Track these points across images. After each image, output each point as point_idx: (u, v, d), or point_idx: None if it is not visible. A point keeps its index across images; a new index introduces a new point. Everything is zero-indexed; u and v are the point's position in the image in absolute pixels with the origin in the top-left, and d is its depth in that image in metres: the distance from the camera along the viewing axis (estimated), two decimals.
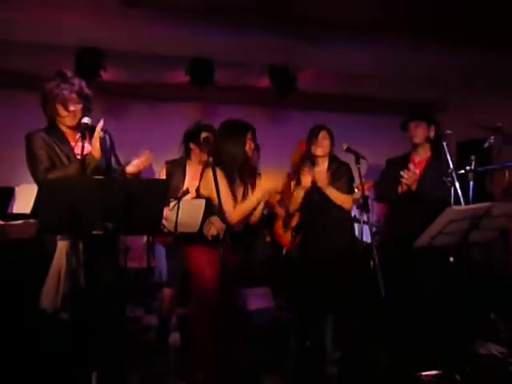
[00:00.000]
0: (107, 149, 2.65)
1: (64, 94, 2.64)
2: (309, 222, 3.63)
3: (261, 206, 3.10)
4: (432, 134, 3.59)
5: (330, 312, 3.50)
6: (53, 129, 2.73)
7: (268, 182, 3.00)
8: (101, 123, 2.63)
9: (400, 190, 3.50)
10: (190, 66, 5.12)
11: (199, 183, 3.07)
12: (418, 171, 3.52)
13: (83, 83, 2.75)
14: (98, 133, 2.62)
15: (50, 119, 2.73)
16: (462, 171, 3.29)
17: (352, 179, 3.60)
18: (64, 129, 2.74)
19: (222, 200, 2.78)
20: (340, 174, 3.56)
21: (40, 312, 2.57)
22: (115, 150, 2.67)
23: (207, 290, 2.94)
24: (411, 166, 3.49)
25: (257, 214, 3.12)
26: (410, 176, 3.43)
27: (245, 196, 3.06)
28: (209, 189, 2.93)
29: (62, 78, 2.68)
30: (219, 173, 2.89)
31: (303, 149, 4.05)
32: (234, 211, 2.94)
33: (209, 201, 2.93)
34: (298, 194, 3.57)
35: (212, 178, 2.80)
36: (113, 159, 2.69)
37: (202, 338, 2.98)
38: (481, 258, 3.69)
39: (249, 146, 3.05)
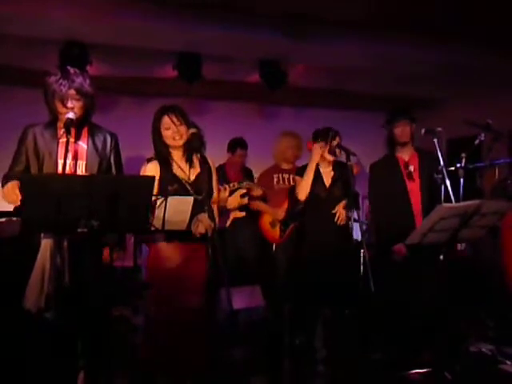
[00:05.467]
0: None
1: (62, 89, 2.60)
2: (311, 216, 3.59)
3: None
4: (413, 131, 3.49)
5: (321, 310, 3.50)
6: (51, 125, 2.70)
7: None
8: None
9: None
10: (177, 60, 5.06)
11: None
12: (413, 167, 3.45)
13: (87, 81, 2.68)
14: None
15: (52, 115, 2.70)
16: (452, 168, 3.27)
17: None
18: (61, 125, 2.65)
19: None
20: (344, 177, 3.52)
21: (24, 312, 2.53)
22: None
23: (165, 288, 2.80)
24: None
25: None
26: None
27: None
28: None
29: (63, 74, 2.64)
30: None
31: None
32: None
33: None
34: (308, 177, 3.50)
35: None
36: None
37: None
38: (471, 254, 3.70)
39: (165, 134, 2.90)
